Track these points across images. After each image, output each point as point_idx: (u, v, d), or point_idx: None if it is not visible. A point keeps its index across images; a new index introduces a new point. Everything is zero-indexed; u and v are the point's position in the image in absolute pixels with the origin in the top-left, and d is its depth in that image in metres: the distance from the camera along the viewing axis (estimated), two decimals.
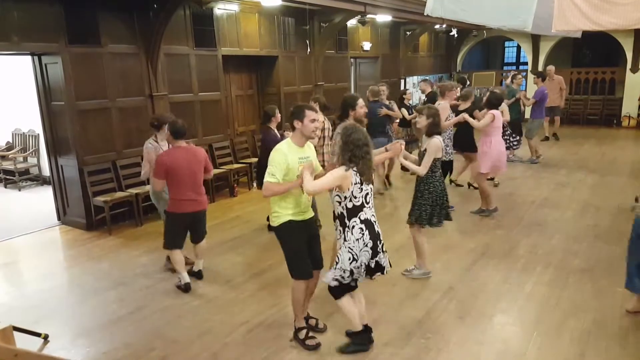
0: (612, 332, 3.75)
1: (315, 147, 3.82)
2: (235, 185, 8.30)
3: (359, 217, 3.29)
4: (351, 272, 3.31)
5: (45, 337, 3.88)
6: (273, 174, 3.35)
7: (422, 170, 4.53)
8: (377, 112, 7.37)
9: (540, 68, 15.31)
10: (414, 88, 13.86)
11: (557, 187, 7.95)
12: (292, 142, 3.50)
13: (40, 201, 8.07)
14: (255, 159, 8.83)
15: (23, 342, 3.36)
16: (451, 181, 7.95)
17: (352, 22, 10.66)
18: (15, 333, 2.52)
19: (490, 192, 6.62)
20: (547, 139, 11.98)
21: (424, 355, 3.54)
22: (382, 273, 3.42)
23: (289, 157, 3.39)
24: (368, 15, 9.90)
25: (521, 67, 17.71)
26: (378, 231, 3.37)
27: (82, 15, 6.29)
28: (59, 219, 7.01)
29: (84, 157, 6.51)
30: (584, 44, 15.07)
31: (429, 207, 4.60)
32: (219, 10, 8.09)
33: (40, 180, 9.50)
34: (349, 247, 3.29)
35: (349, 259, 3.28)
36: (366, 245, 3.28)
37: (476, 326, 3.92)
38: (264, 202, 7.04)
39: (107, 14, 6.57)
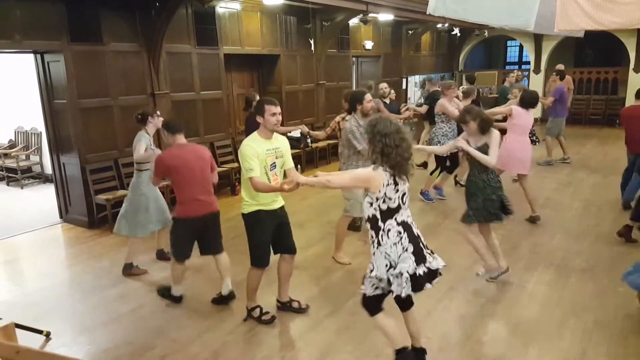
0: (614, 332, 3.74)
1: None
2: (237, 183, 8.30)
3: (395, 219, 2.96)
4: (388, 280, 2.94)
5: (47, 335, 3.90)
6: (251, 169, 3.53)
7: (493, 160, 4.35)
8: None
9: (543, 67, 15.29)
10: (416, 87, 13.85)
11: (559, 187, 7.93)
12: (259, 136, 3.70)
13: (43, 199, 8.09)
14: None
15: (25, 340, 3.37)
16: (456, 182, 7.94)
17: (354, 21, 10.65)
18: (17, 330, 2.52)
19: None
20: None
21: (425, 355, 3.53)
22: (438, 275, 3.08)
23: (257, 149, 3.59)
24: (370, 14, 9.90)
25: (523, 67, 17.68)
26: (417, 233, 3.05)
27: (84, 14, 6.30)
28: (61, 216, 7.03)
29: (86, 155, 6.53)
30: (587, 43, 15.03)
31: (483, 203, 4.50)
32: (221, 8, 8.10)
33: (42, 178, 9.53)
34: (385, 253, 2.95)
35: (386, 266, 2.94)
36: (406, 250, 2.93)
37: (477, 325, 3.92)
38: None
39: (109, 12, 6.58)
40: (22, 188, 9.17)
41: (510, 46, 19.35)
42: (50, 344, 3.86)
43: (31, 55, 6.46)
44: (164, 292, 4.52)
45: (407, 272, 2.90)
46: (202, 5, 7.59)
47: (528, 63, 16.34)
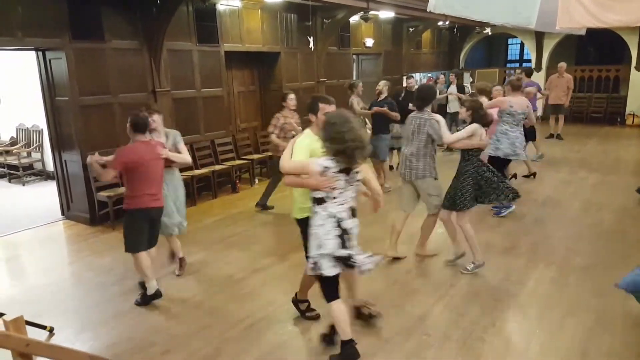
0: (614, 331, 3.75)
1: None
2: (237, 181, 8.32)
3: (324, 207, 3.16)
4: (314, 262, 3.18)
5: (51, 330, 3.91)
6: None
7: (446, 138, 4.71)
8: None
9: (543, 65, 15.28)
10: (416, 85, 13.81)
11: (560, 185, 7.94)
12: (312, 132, 3.57)
13: (44, 196, 8.11)
14: (257, 155, 8.87)
15: (29, 335, 3.39)
16: None
17: (354, 19, 10.64)
18: None
19: None
20: (551, 136, 11.95)
21: (425, 351, 3.55)
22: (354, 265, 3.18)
23: (312, 145, 3.43)
24: (371, 12, 9.89)
25: (524, 65, 17.65)
26: (346, 228, 3.17)
27: (86, 11, 6.30)
28: (62, 213, 7.04)
29: (88, 152, 6.49)
30: (588, 41, 14.99)
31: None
32: (222, 6, 8.09)
33: (44, 175, 9.55)
34: (314, 234, 3.19)
35: (316, 246, 3.17)
36: (329, 233, 3.12)
37: (478, 323, 3.92)
38: None
39: (111, 10, 6.58)
40: (23, 185, 9.19)
41: (511, 44, 19.31)
42: (53, 339, 3.87)
43: (33, 53, 6.46)
44: (143, 299, 4.39)
45: (329, 252, 3.12)
46: (203, 2, 7.59)
47: (529, 61, 16.32)
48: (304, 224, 3.50)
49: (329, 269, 3.16)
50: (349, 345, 3.31)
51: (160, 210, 4.41)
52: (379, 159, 7.71)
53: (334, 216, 3.15)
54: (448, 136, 4.73)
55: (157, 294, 4.35)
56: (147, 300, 4.36)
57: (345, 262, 3.16)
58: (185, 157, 4.75)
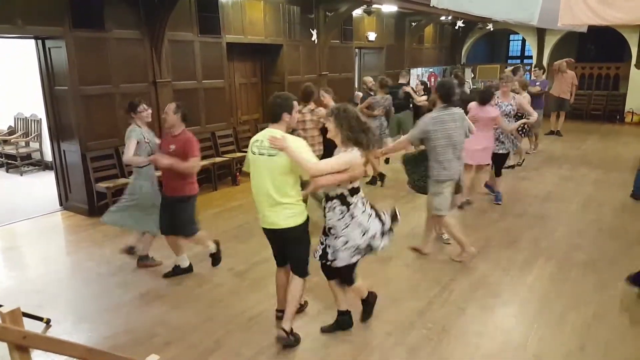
0: (612, 326, 3.76)
1: None
2: (238, 173, 8.29)
3: (359, 195, 3.39)
4: (369, 246, 3.39)
5: (48, 322, 3.90)
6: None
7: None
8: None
9: (545, 62, 15.23)
10: (418, 79, 13.79)
11: (561, 182, 7.94)
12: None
13: (42, 186, 8.08)
14: None
15: (25, 327, 3.37)
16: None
17: (357, 12, 10.59)
18: None
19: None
20: (552, 132, 11.95)
21: (426, 344, 3.56)
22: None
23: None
24: (374, 5, 9.84)
25: (526, 61, 17.61)
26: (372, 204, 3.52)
27: (87, 0, 6.24)
28: (61, 204, 7.02)
29: (87, 143, 6.50)
30: (589, 38, 14.96)
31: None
32: None
33: (42, 165, 9.50)
34: (359, 222, 3.32)
35: (361, 233, 3.33)
36: (371, 216, 3.39)
37: (477, 317, 3.93)
38: None
39: None
40: (21, 175, 9.15)
41: (513, 40, 19.26)
42: (50, 330, 3.86)
43: (32, 41, 6.41)
44: (217, 257, 4.86)
45: (377, 230, 3.40)
46: None
47: (530, 57, 16.29)
48: (297, 231, 3.41)
49: (366, 251, 3.42)
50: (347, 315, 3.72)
51: None
52: None
53: (364, 198, 3.43)
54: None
55: (218, 255, 4.85)
56: (218, 259, 4.85)
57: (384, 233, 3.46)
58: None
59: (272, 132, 3.32)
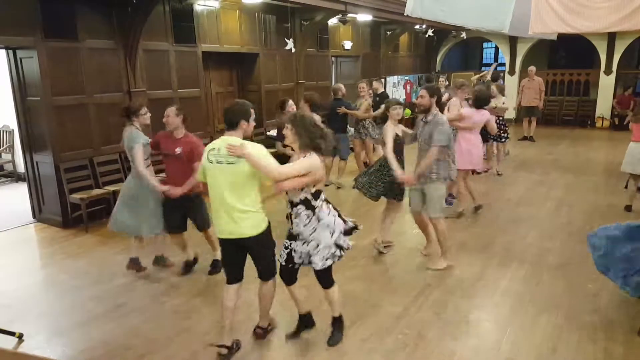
0: (583, 327, 3.85)
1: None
2: None
3: (322, 197, 3.46)
4: (337, 245, 3.44)
5: (20, 337, 3.82)
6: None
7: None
8: (337, 109, 7.84)
9: (517, 69, 15.59)
10: (394, 87, 13.97)
11: (533, 186, 8.12)
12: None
13: (15, 198, 7.90)
14: None
15: None
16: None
17: (333, 21, 10.69)
18: None
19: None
20: (525, 138, 12.22)
21: (401, 350, 3.60)
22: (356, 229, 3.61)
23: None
24: (349, 14, 9.94)
25: (499, 69, 17.94)
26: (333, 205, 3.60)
27: (59, 9, 6.17)
28: (34, 216, 6.88)
29: (60, 154, 6.41)
30: (560, 46, 15.37)
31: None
32: (199, 6, 8.04)
33: (14, 177, 9.30)
34: (327, 224, 3.40)
35: (330, 233, 3.40)
36: (335, 216, 3.48)
37: (452, 322, 3.99)
38: None
39: (85, 8, 6.47)
40: None
41: (486, 48, 19.64)
42: (23, 345, 3.79)
43: (3, 51, 6.30)
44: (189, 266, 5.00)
45: (340, 230, 3.47)
46: (180, 2, 7.53)
47: (503, 64, 16.63)
48: (263, 236, 3.39)
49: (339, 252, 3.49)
50: (307, 316, 3.75)
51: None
52: (342, 159, 8.21)
53: (327, 200, 3.50)
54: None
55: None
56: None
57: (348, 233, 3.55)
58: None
59: (228, 140, 3.29)
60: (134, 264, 4.92)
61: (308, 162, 3.30)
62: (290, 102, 6.27)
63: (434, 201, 4.82)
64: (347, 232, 3.54)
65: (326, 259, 3.41)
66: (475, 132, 6.37)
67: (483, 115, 6.37)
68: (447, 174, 4.89)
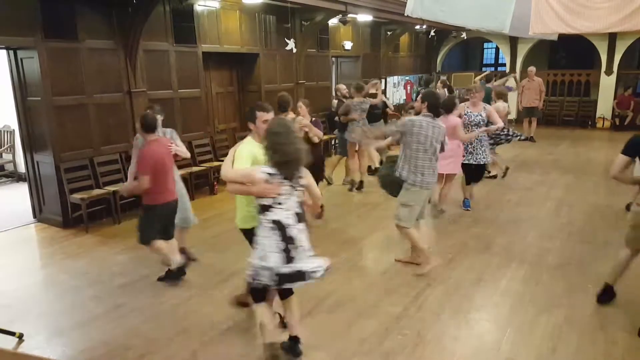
0: (583, 328, 3.85)
1: None
2: (216, 182, 8.26)
3: (270, 218, 3.08)
4: (263, 269, 3.06)
5: (20, 336, 3.82)
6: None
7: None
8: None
9: (518, 69, 15.59)
10: (395, 88, 13.98)
11: (533, 186, 8.11)
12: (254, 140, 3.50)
13: (16, 198, 7.91)
14: None
15: None
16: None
17: (333, 21, 10.69)
18: None
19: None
20: (526, 139, 12.20)
21: (401, 351, 3.60)
22: (309, 279, 3.09)
23: (254, 151, 3.40)
24: (349, 15, 9.95)
25: (499, 69, 17.98)
26: (291, 236, 3.07)
27: (59, 9, 6.18)
28: (34, 216, 6.89)
29: (61, 154, 6.41)
30: (560, 46, 15.38)
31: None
32: (199, 6, 8.04)
33: (15, 177, 9.32)
34: (260, 243, 3.10)
35: (258, 256, 3.09)
36: (275, 251, 3.04)
37: (452, 322, 3.99)
38: None
39: (85, 9, 6.47)
40: None
41: (487, 48, 19.66)
42: (23, 345, 3.79)
43: (4, 52, 6.31)
44: (169, 276, 4.79)
45: (272, 267, 3.04)
46: (180, 3, 7.53)
47: (504, 65, 16.65)
48: (250, 234, 3.36)
49: (269, 282, 3.08)
50: (272, 346, 3.40)
51: (177, 202, 4.73)
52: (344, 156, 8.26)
53: (280, 223, 3.06)
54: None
55: (183, 269, 4.75)
56: (178, 273, 4.73)
57: (290, 277, 3.07)
58: (186, 151, 5.00)
59: (244, 141, 3.54)
60: (186, 254, 5.04)
61: (246, 172, 3.16)
62: (300, 102, 6.13)
63: (397, 206, 4.79)
64: (286, 277, 3.05)
65: (248, 275, 3.16)
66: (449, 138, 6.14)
67: (449, 121, 6.01)
68: (420, 180, 4.65)
